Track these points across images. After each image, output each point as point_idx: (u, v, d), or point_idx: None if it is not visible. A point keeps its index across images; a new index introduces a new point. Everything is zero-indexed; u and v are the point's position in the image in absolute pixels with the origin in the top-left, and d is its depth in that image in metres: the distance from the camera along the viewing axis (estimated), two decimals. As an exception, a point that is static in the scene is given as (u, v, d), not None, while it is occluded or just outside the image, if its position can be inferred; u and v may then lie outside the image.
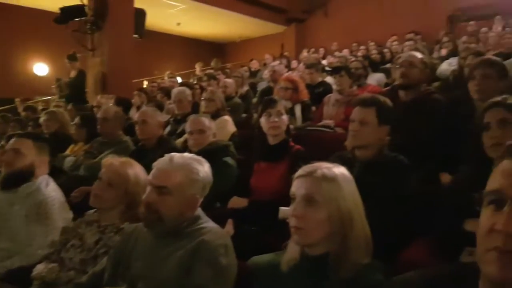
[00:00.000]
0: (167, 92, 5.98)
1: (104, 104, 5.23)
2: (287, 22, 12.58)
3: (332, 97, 3.80)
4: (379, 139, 1.89)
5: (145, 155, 2.77)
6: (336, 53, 8.20)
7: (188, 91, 4.18)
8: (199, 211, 1.53)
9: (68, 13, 7.26)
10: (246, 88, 5.65)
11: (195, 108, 4.20)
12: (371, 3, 10.69)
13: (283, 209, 1.90)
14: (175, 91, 4.25)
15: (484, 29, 6.68)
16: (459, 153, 1.95)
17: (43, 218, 1.99)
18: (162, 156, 1.54)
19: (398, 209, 1.67)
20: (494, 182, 0.71)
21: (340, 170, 1.20)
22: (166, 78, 8.11)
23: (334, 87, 4.06)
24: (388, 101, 1.96)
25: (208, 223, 1.51)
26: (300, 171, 1.22)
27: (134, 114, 5.64)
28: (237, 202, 2.35)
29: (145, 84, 10.06)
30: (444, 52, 5.04)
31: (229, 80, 5.02)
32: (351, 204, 1.17)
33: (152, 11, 8.48)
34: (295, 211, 1.17)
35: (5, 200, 2.09)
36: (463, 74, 3.46)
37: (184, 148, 2.98)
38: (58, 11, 7.26)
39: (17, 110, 7.32)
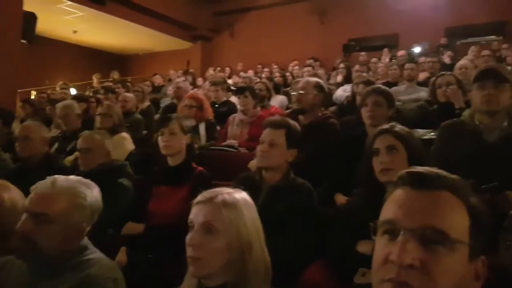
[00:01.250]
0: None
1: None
2: (193, 39, 12.63)
3: (237, 117, 3.81)
4: (286, 161, 1.93)
5: (27, 176, 2.42)
6: (242, 74, 8.38)
7: (75, 105, 3.82)
8: (85, 241, 1.38)
9: None
10: (147, 103, 5.42)
11: (90, 123, 3.88)
12: (274, 29, 11.30)
13: None
14: (60, 105, 3.83)
15: (374, 60, 7.47)
16: (353, 175, 2.05)
17: None
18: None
19: (301, 233, 1.71)
20: (388, 211, 0.72)
21: (241, 195, 1.16)
22: (58, 89, 7.43)
23: (238, 107, 4.09)
24: (297, 125, 2.02)
25: (96, 254, 1.37)
26: (199, 197, 1.15)
27: (17, 128, 5.04)
28: (132, 228, 2.17)
29: (33, 94, 9.12)
30: (339, 78, 5.44)
31: (129, 94, 4.76)
32: (252, 230, 1.13)
33: (45, 16, 7.83)
34: (192, 240, 1.09)
35: None
36: (356, 100, 3.74)
37: (74, 168, 2.71)
38: None
39: None
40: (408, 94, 4.14)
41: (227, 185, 1.26)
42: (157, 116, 5.32)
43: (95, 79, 8.75)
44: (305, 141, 2.25)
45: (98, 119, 3.52)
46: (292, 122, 2.01)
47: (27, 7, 7.25)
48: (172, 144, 2.26)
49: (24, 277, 1.30)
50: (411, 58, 7.73)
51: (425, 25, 9.36)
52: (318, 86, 2.76)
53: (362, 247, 1.45)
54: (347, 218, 1.63)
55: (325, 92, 2.83)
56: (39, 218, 1.25)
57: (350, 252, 1.48)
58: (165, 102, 6.11)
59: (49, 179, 1.33)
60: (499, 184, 1.64)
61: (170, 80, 9.26)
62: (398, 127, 1.60)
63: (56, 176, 1.36)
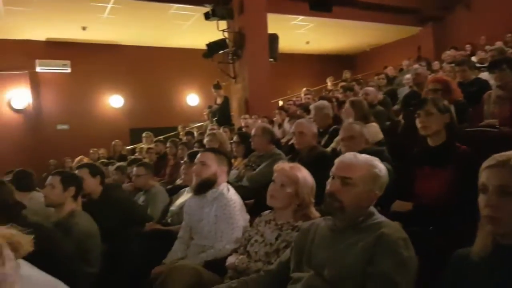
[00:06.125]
0: (305, 108, 6.26)
1: (251, 124, 5.74)
2: (421, 23, 11.84)
3: (493, 94, 3.47)
4: None
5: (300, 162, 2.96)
6: (487, 47, 7.38)
7: (327, 104, 4.31)
8: (372, 208, 1.60)
9: (213, 47, 8.26)
10: (381, 96, 5.52)
11: (337, 121, 4.30)
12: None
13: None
14: (313, 106, 4.43)
15: None
16: None
17: (228, 218, 2.30)
18: (313, 163, 1.59)
19: None
20: None
21: None
22: (302, 95, 8.44)
23: (492, 83, 3.72)
24: None
25: (383, 218, 1.57)
26: (490, 161, 1.18)
27: (276, 132, 6.04)
28: (401, 205, 2.27)
29: (280, 103, 10.60)
30: None
31: (370, 88, 5.00)
32: None
33: (283, 34, 8.97)
34: (489, 202, 1.14)
35: (197, 203, 2.50)
36: None
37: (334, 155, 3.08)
38: (205, 48, 8.27)
39: (178, 136, 8.48)
40: None
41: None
42: (396, 107, 5.37)
43: (329, 82, 9.45)
44: None
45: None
46: None
47: (270, 29, 8.56)
48: (429, 125, 2.29)
49: (328, 236, 1.60)
50: None
51: None
52: None
53: None
54: None
55: None
56: (345, 181, 1.54)
57: None
58: (402, 92, 6.07)
59: (351, 153, 1.65)
60: None
61: (401, 70, 9.06)
62: None
63: (355, 152, 1.65)
